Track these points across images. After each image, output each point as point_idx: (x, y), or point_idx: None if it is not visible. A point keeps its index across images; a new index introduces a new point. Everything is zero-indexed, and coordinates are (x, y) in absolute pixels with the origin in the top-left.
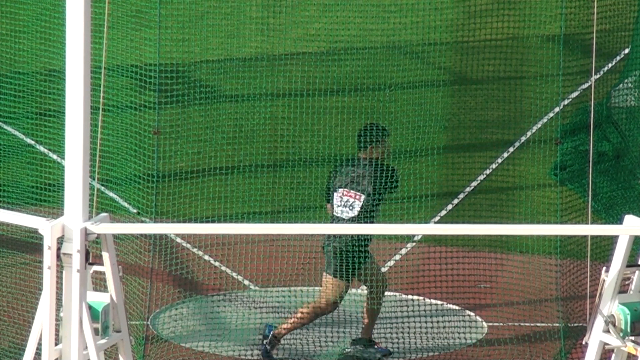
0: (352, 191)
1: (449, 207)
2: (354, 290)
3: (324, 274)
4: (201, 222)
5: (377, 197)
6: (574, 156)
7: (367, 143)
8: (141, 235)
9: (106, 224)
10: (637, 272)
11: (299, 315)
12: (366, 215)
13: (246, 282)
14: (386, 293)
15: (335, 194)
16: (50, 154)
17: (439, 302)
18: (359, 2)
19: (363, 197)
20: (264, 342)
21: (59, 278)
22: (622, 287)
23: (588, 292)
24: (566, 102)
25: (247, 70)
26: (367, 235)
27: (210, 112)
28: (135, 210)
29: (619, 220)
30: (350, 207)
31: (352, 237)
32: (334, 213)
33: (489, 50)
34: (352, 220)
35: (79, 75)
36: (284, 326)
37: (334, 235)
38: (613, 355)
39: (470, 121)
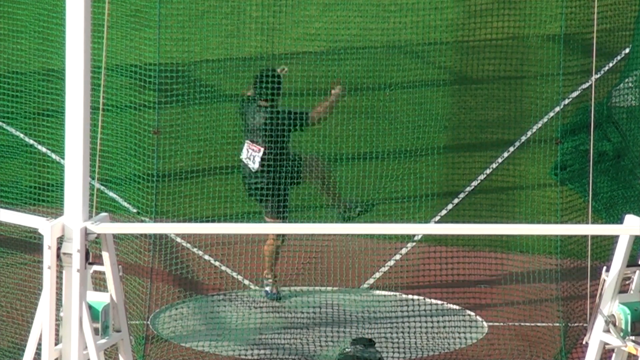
0: (253, 144)
1: (449, 206)
2: (354, 290)
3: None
4: (201, 222)
5: (277, 147)
6: (574, 156)
7: (265, 90)
8: (141, 235)
9: (106, 224)
10: (637, 271)
11: (266, 258)
12: (268, 166)
13: (246, 282)
14: (386, 293)
15: (245, 144)
16: (50, 154)
17: (439, 302)
18: (359, 2)
19: (262, 150)
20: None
21: (59, 278)
22: (623, 287)
23: (588, 292)
24: (566, 101)
25: (247, 69)
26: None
27: (210, 112)
28: (135, 210)
29: (619, 220)
30: (253, 161)
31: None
32: (244, 161)
33: (489, 50)
34: (256, 173)
35: (79, 75)
36: (266, 273)
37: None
38: (613, 355)
39: (471, 121)
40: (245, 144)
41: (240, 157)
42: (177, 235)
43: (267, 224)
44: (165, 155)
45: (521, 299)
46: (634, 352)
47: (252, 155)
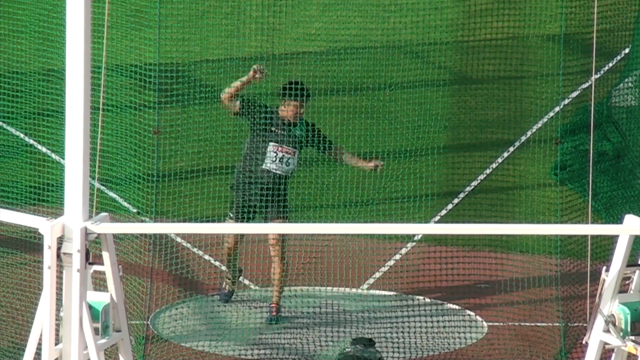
0: (286, 147)
1: (449, 206)
2: (353, 290)
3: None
4: (201, 221)
5: (298, 155)
6: (574, 156)
7: (292, 101)
8: (141, 234)
9: (106, 224)
10: (637, 271)
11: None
12: (293, 171)
13: (246, 282)
14: (386, 293)
15: (269, 147)
16: (50, 154)
17: (439, 302)
18: (359, 2)
19: (297, 153)
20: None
21: (59, 278)
22: (622, 287)
23: (588, 292)
24: (566, 101)
25: (247, 69)
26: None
27: (210, 112)
28: (135, 210)
29: (619, 220)
30: (286, 164)
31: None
32: (264, 165)
33: (489, 50)
34: (283, 175)
35: (79, 75)
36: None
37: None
38: (613, 355)
39: (471, 121)
40: (271, 147)
41: (264, 166)
42: (177, 235)
43: (266, 224)
44: (165, 155)
45: (521, 299)
46: (633, 352)
47: (284, 159)
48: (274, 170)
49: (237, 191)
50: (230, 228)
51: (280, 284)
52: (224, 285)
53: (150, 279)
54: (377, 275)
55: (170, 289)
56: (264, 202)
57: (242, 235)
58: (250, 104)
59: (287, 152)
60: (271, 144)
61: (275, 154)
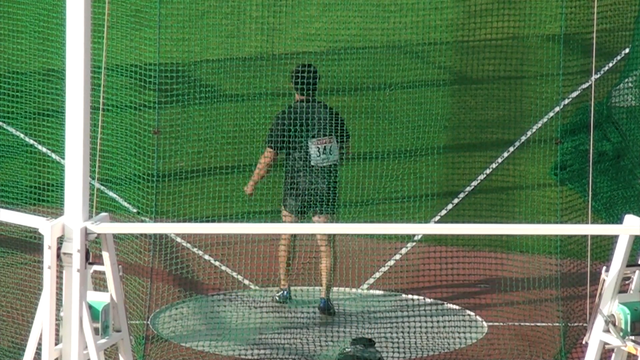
0: (324, 137)
1: (449, 206)
2: (353, 290)
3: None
4: (201, 221)
5: (341, 137)
6: (574, 156)
7: (310, 85)
8: (141, 234)
9: (106, 224)
10: (637, 271)
11: (280, 260)
12: (339, 156)
13: (246, 282)
14: (386, 293)
15: (310, 145)
16: (50, 154)
17: (439, 302)
18: (359, 2)
19: (334, 139)
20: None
21: (59, 278)
22: (622, 287)
23: (588, 292)
24: (566, 101)
25: (247, 69)
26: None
27: (210, 112)
28: (135, 210)
29: (619, 220)
30: (330, 152)
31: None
32: (314, 163)
33: (489, 50)
34: (333, 165)
35: (79, 75)
36: (282, 278)
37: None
38: (613, 355)
39: (471, 121)
40: (311, 144)
41: (312, 163)
42: (177, 235)
43: (265, 224)
44: (165, 155)
45: (521, 299)
46: (633, 352)
47: (327, 149)
48: (321, 164)
49: (294, 196)
50: (231, 228)
51: (328, 278)
52: (282, 285)
53: (150, 279)
54: (377, 275)
55: (170, 289)
56: (319, 197)
57: (294, 237)
58: (279, 139)
59: (327, 142)
60: (310, 141)
61: (317, 148)
